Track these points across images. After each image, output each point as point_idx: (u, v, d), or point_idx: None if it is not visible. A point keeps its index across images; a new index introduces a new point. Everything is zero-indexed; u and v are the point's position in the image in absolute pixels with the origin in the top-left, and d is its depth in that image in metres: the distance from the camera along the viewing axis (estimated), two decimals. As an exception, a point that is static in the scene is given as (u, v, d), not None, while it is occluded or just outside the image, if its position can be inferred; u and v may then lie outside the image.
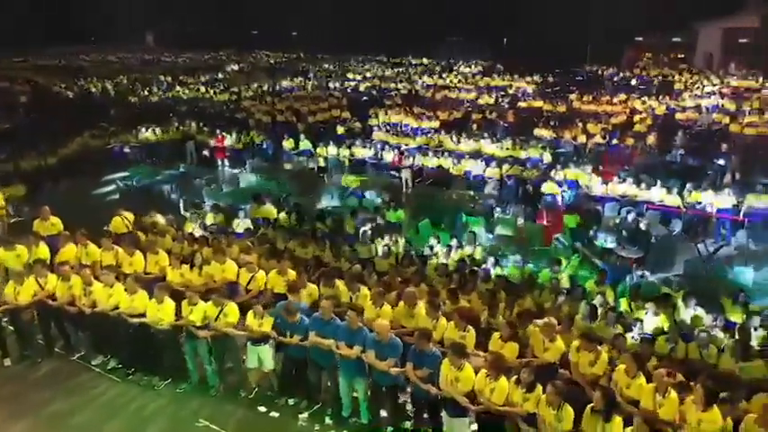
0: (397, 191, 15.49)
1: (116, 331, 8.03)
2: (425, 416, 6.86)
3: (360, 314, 6.96)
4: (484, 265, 9.85)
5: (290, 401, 7.50)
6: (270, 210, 12.63)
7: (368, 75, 39.73)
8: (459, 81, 35.49)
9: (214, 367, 7.72)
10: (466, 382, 6.08)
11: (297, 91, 32.64)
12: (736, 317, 8.52)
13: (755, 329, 7.85)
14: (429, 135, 20.43)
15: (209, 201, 14.45)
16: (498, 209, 14.02)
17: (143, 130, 20.39)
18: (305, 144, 18.83)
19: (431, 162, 17.31)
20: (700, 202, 13.44)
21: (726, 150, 18.21)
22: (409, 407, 7.24)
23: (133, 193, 16.00)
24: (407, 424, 7.08)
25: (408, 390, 7.37)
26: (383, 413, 7.09)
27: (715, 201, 13.24)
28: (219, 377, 7.79)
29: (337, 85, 34.80)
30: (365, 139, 19.42)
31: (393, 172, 17.16)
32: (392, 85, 34.05)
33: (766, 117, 22.20)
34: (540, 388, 5.92)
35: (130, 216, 11.22)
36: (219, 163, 18.99)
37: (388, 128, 21.88)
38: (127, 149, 19.84)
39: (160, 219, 11.51)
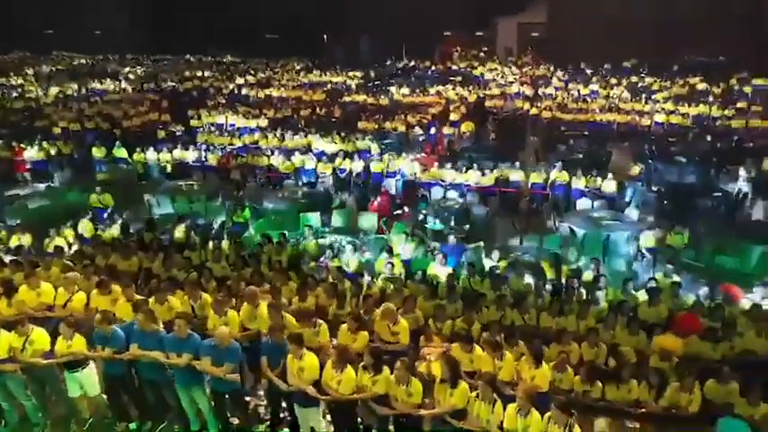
0: (228, 192, 15.04)
1: None
2: (284, 414, 6.79)
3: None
4: (322, 258, 9.95)
5: (132, 426, 6.96)
6: (87, 225, 11.57)
7: (186, 74, 37.80)
8: (284, 78, 35.28)
9: (34, 402, 6.89)
10: (310, 371, 6.09)
11: (107, 94, 30.07)
12: (553, 277, 9.59)
13: (600, 289, 8.89)
14: (257, 134, 20.12)
15: (11, 220, 12.84)
16: (332, 201, 14.25)
17: None
18: (120, 151, 17.52)
19: (261, 161, 17.07)
20: (516, 181, 14.87)
21: (529, 132, 20.31)
22: (262, 410, 7.12)
23: None
24: (261, 427, 6.94)
25: (260, 392, 7.25)
26: (234, 420, 6.87)
27: (530, 177, 14.78)
28: (43, 412, 6.98)
29: (153, 86, 32.67)
30: (188, 142, 18.56)
31: (222, 174, 16.64)
32: (214, 85, 32.86)
33: (559, 101, 25.13)
34: (387, 369, 6.09)
35: None
36: (21, 177, 16.92)
37: (213, 129, 21.15)
38: None
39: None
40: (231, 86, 32.31)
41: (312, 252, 10.49)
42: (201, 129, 21.14)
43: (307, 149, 17.94)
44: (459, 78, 33.52)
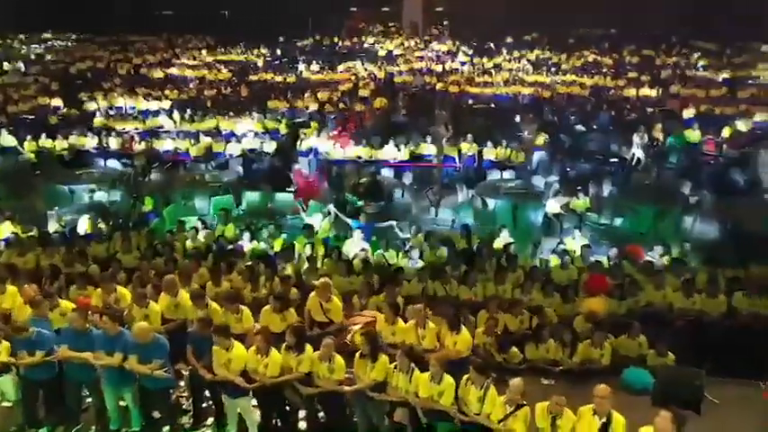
0: (131, 180, 14.29)
1: None
2: (208, 404, 6.67)
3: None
4: (239, 242, 9.75)
5: (42, 431, 6.56)
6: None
7: (77, 54, 35.17)
8: (186, 57, 33.68)
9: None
10: (238, 361, 6.02)
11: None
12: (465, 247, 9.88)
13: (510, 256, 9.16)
14: (159, 116, 19.19)
15: None
16: (245, 183, 13.93)
17: None
18: (6, 139, 16.20)
19: (166, 144, 16.33)
20: (428, 155, 15.15)
21: (438, 107, 20.60)
22: (184, 401, 6.93)
23: None
24: (184, 419, 6.77)
25: (181, 383, 7.05)
26: (156, 414, 6.65)
27: (443, 151, 14.97)
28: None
29: (40, 68, 30.19)
30: (85, 127, 17.44)
31: (125, 160, 15.80)
32: (110, 66, 30.85)
33: (466, 75, 25.65)
34: (310, 348, 6.11)
35: None
36: None
37: (112, 112, 19.96)
38: None
39: None
40: (128, 67, 30.47)
41: (229, 236, 10.24)
42: (98, 112, 19.87)
43: (215, 131, 17.36)
44: (384, 53, 33.21)
